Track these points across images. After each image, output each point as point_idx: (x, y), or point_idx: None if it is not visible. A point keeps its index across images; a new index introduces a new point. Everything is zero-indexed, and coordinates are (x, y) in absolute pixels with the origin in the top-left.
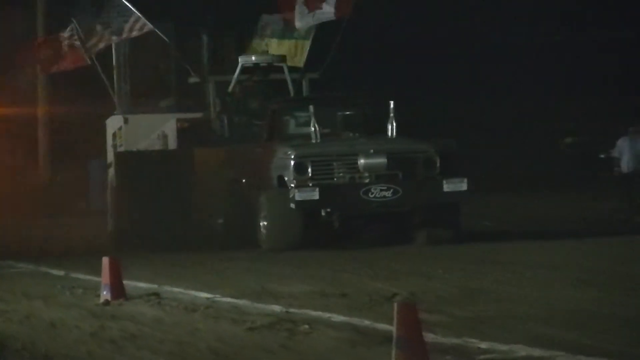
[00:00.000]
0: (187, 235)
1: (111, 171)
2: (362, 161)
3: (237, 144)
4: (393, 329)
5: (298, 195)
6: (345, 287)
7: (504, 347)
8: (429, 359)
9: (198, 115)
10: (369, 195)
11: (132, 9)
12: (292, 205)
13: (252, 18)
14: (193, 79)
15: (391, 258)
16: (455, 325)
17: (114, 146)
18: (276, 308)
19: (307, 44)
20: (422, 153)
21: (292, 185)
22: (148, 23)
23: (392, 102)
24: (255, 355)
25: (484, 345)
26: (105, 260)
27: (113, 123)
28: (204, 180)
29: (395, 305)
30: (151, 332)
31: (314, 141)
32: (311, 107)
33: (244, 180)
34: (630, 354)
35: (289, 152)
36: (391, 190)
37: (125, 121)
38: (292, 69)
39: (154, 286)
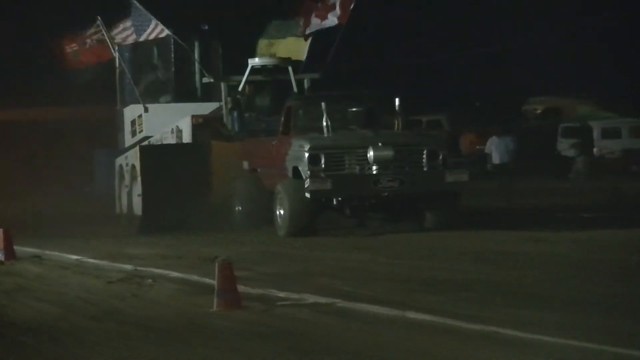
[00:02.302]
0: (203, 219)
1: (128, 155)
2: (371, 153)
3: (253, 138)
4: (215, 282)
5: (312, 185)
6: (181, 252)
7: (296, 296)
8: (241, 305)
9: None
10: (378, 185)
11: (152, 17)
12: (307, 195)
13: (259, 22)
14: (207, 79)
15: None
16: (261, 280)
17: (132, 132)
18: (128, 267)
19: (308, 41)
20: (426, 146)
21: (307, 175)
22: (166, 29)
23: (397, 99)
24: (113, 301)
25: (281, 294)
26: (0, 231)
27: (132, 111)
28: (220, 170)
29: (216, 264)
30: (36, 285)
31: (326, 135)
32: (323, 104)
33: (259, 170)
34: (387, 300)
35: (304, 145)
36: (398, 181)
37: (146, 110)
38: (294, 70)
39: (37, 250)
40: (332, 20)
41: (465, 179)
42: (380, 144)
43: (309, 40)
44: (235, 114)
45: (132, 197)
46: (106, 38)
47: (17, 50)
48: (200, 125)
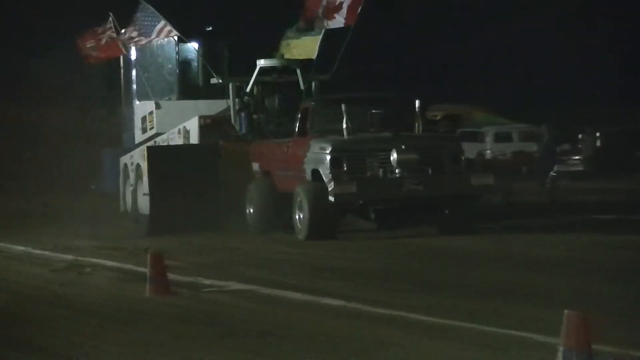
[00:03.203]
0: (213, 220)
1: (133, 154)
2: (394, 156)
3: (264, 139)
4: (147, 271)
5: (337, 188)
6: (117, 243)
7: (221, 283)
8: (170, 291)
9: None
10: (402, 188)
11: (160, 16)
12: (331, 198)
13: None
14: (215, 80)
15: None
16: (189, 268)
17: (143, 129)
18: (70, 257)
19: (319, 39)
20: (449, 149)
21: (328, 178)
22: (174, 29)
23: (418, 101)
24: (55, 287)
25: (207, 281)
26: None
27: (143, 108)
28: (229, 171)
29: (148, 254)
30: None
31: (346, 137)
32: (344, 106)
33: (272, 173)
34: (303, 288)
35: (325, 147)
36: (422, 184)
37: (157, 106)
38: (305, 68)
39: None
40: (339, 20)
41: (490, 182)
42: (403, 147)
43: (320, 39)
44: (243, 115)
45: (136, 195)
46: (118, 35)
47: (25, 53)
48: (208, 126)
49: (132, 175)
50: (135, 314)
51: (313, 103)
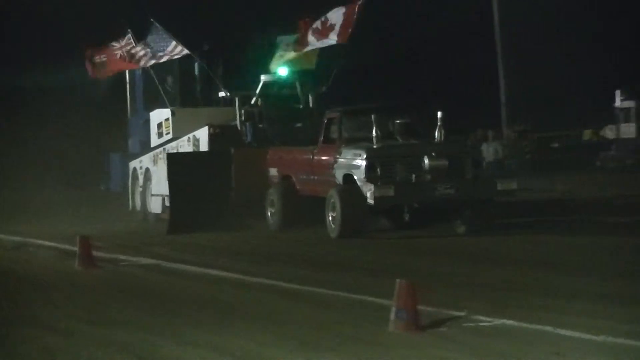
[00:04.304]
0: (226, 221)
1: (142, 159)
2: (426, 162)
3: (285, 146)
4: (77, 250)
5: (377, 192)
6: (58, 229)
7: (133, 259)
8: (96, 265)
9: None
10: (435, 192)
11: (172, 37)
12: (371, 201)
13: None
14: (222, 93)
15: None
16: (112, 248)
17: (159, 134)
18: (18, 238)
19: (317, 50)
20: (472, 155)
21: (363, 182)
22: (185, 48)
23: (440, 112)
24: (8, 263)
25: (122, 257)
26: None
27: (159, 115)
28: (241, 175)
29: (78, 238)
30: None
31: (375, 145)
32: (373, 115)
33: (292, 177)
34: (200, 263)
35: (361, 154)
36: (454, 188)
37: (173, 113)
38: (306, 77)
39: None
40: (332, 38)
41: (514, 187)
42: (434, 154)
43: (317, 51)
44: (248, 125)
45: (145, 196)
46: (135, 50)
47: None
48: (217, 134)
49: (141, 178)
50: (70, 282)
51: (339, 113)
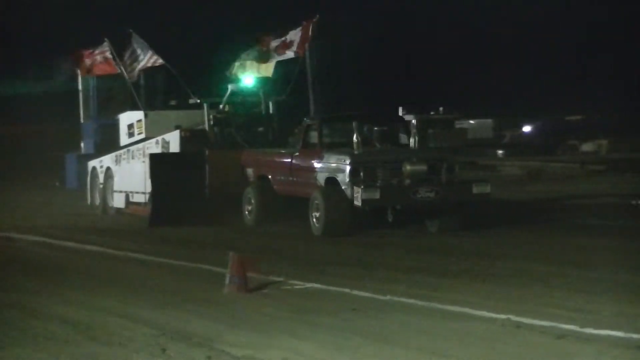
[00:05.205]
0: (201, 216)
1: (103, 159)
2: (407, 167)
3: (264, 149)
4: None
5: (364, 195)
6: (16, 222)
7: (29, 238)
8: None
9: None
10: (417, 195)
11: (149, 46)
12: (358, 203)
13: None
14: (192, 100)
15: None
16: (39, 231)
17: (130, 134)
18: None
19: (274, 61)
20: (447, 161)
21: (347, 185)
22: (160, 58)
23: (414, 119)
24: None
25: (17, 236)
26: None
27: (129, 117)
28: (215, 175)
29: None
30: None
31: (356, 150)
32: (355, 122)
33: (270, 178)
34: (91, 242)
35: (344, 159)
36: (434, 192)
37: (146, 115)
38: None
39: None
40: (291, 52)
41: (487, 191)
42: (414, 159)
43: (275, 61)
44: (216, 129)
45: (106, 192)
46: (113, 57)
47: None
48: (187, 137)
49: (101, 176)
50: None
51: (315, 121)
